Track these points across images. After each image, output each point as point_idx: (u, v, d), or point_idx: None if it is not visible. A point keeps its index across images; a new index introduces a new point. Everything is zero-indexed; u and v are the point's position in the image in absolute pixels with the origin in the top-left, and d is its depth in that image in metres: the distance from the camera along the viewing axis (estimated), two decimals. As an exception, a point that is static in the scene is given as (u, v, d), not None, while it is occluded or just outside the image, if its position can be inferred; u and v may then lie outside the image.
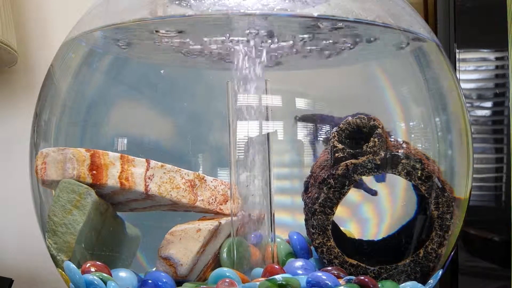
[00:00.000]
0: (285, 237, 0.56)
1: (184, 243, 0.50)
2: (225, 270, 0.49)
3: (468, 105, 0.77)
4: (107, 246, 0.54)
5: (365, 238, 0.57)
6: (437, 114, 0.56)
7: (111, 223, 0.54)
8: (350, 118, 0.52)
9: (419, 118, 0.56)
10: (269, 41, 0.55)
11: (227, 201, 0.54)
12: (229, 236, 0.53)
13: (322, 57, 0.60)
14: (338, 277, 0.48)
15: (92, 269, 0.49)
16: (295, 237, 0.55)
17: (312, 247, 0.54)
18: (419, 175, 0.51)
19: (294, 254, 0.55)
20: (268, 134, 0.53)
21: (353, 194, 0.53)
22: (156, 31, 0.55)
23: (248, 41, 0.54)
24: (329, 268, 0.50)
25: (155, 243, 0.52)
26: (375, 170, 0.50)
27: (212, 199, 0.54)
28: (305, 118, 0.53)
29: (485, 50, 0.77)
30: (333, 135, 0.52)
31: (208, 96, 0.60)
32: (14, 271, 0.90)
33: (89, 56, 0.60)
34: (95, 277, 0.48)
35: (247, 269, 0.52)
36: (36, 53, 0.94)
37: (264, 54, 0.54)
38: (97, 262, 0.50)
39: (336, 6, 0.54)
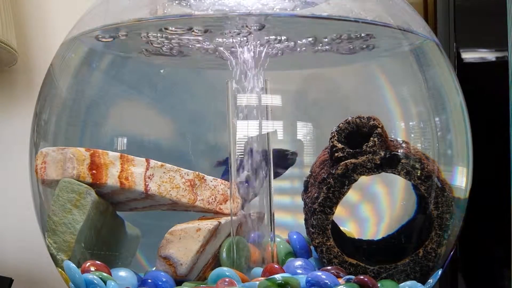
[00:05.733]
0: (284, 237, 0.56)
1: (184, 242, 0.50)
2: (224, 270, 0.49)
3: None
4: (107, 245, 0.54)
5: (364, 238, 0.57)
6: (436, 114, 0.56)
7: (111, 223, 0.54)
8: (350, 117, 0.52)
9: (418, 118, 0.56)
10: (269, 40, 0.55)
11: (226, 200, 0.54)
12: (228, 235, 0.53)
13: (322, 56, 0.60)
14: (338, 276, 0.48)
15: (92, 269, 0.50)
16: (294, 236, 0.55)
17: (311, 247, 0.54)
18: (418, 174, 0.51)
19: (294, 254, 0.55)
20: (268, 133, 0.53)
21: (352, 194, 0.53)
22: (165, 28, 0.55)
23: (248, 40, 0.54)
24: (329, 267, 0.50)
25: (155, 242, 0.52)
26: (375, 169, 0.50)
27: (212, 199, 0.54)
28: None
29: (485, 50, 0.77)
30: (333, 134, 0.52)
31: (208, 95, 0.60)
32: (14, 270, 0.90)
33: (88, 55, 0.60)
34: (95, 276, 0.48)
35: (246, 268, 0.52)
36: (36, 53, 0.94)
37: (264, 53, 0.54)
38: (97, 262, 0.50)
39: (336, 6, 0.54)
